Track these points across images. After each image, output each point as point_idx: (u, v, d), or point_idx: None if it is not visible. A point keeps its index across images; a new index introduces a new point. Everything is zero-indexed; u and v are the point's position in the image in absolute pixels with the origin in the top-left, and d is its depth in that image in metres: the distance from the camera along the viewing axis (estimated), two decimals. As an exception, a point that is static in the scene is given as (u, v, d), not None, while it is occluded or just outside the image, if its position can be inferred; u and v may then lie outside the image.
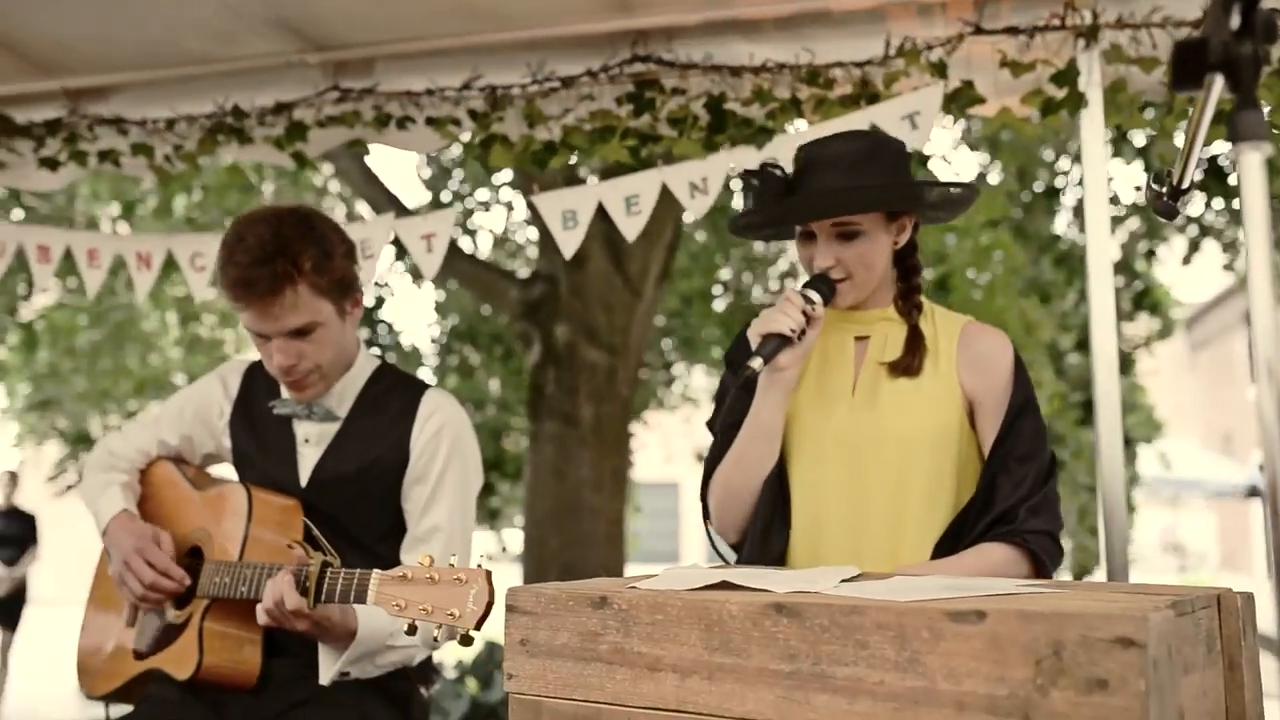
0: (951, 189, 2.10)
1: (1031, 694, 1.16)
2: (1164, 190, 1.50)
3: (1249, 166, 0.95)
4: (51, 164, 3.53)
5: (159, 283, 9.74)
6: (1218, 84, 1.02)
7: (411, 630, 1.89)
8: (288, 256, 2.19)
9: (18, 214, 8.21)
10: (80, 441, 11.24)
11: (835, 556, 1.98)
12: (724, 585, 1.48)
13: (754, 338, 1.97)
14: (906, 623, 1.24)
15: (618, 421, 6.80)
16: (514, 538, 11.25)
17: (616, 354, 6.67)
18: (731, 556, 2.11)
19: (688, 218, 2.98)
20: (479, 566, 1.87)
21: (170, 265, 3.46)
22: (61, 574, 10.19)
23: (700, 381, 12.46)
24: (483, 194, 9.26)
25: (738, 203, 3.02)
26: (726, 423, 2.10)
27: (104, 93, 3.50)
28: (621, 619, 1.43)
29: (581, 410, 6.57)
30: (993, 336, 2.10)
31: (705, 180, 2.92)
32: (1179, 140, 2.84)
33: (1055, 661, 1.16)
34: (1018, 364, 2.07)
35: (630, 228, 2.98)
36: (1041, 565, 1.94)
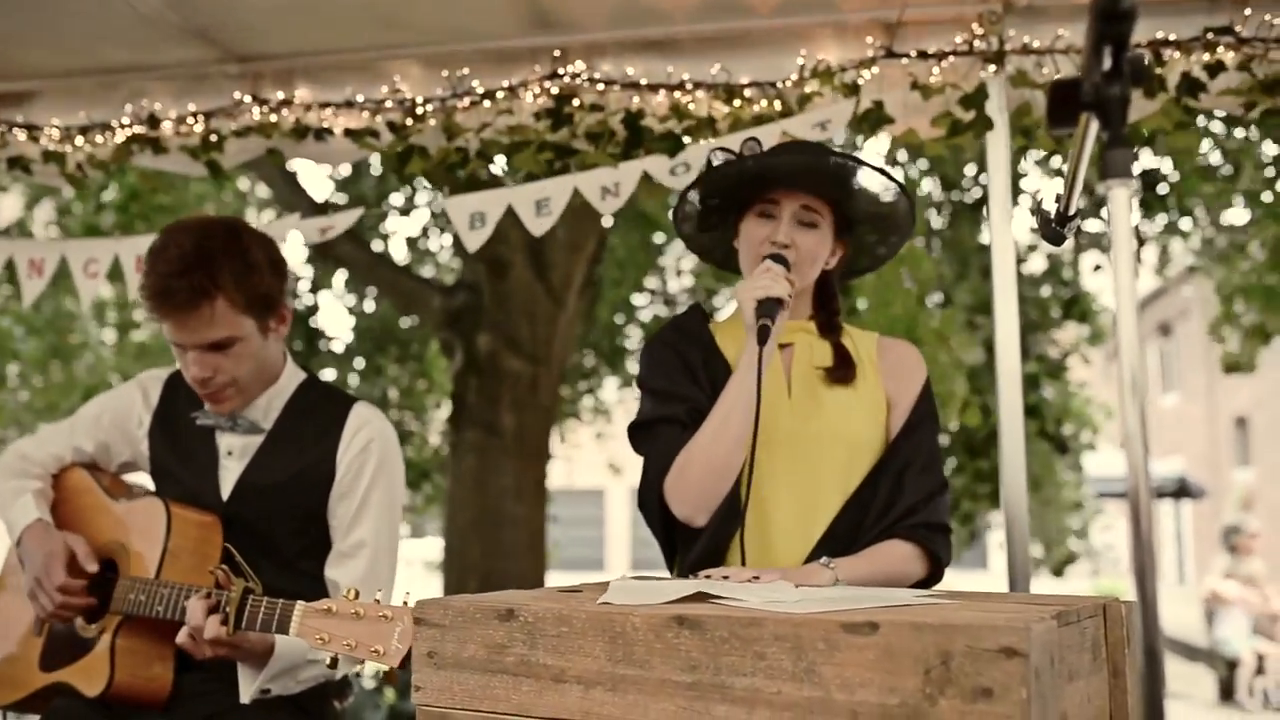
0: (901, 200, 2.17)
1: (921, 703, 1.21)
2: (1051, 216, 1.57)
3: (1117, 201, 1.01)
4: (-40, 170, 3.48)
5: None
6: (1092, 124, 1.08)
7: (333, 664, 1.90)
8: (208, 271, 2.18)
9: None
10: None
11: (785, 552, 2.03)
12: (700, 597, 1.51)
13: (745, 303, 1.99)
14: (803, 634, 1.28)
15: (539, 431, 6.81)
16: (424, 546, 11.15)
17: (539, 363, 6.68)
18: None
19: (607, 211, 3.00)
20: (405, 604, 1.88)
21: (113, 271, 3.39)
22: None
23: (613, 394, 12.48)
24: (397, 199, 9.21)
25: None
26: (660, 399, 2.11)
27: (18, 99, 3.45)
28: (528, 631, 1.45)
29: (503, 419, 6.57)
30: (907, 347, 2.24)
31: (617, 185, 2.96)
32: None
33: (943, 671, 1.20)
34: (928, 381, 2.19)
35: (538, 226, 3.00)
36: (938, 563, 2.06)
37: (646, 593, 1.54)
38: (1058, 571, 10.35)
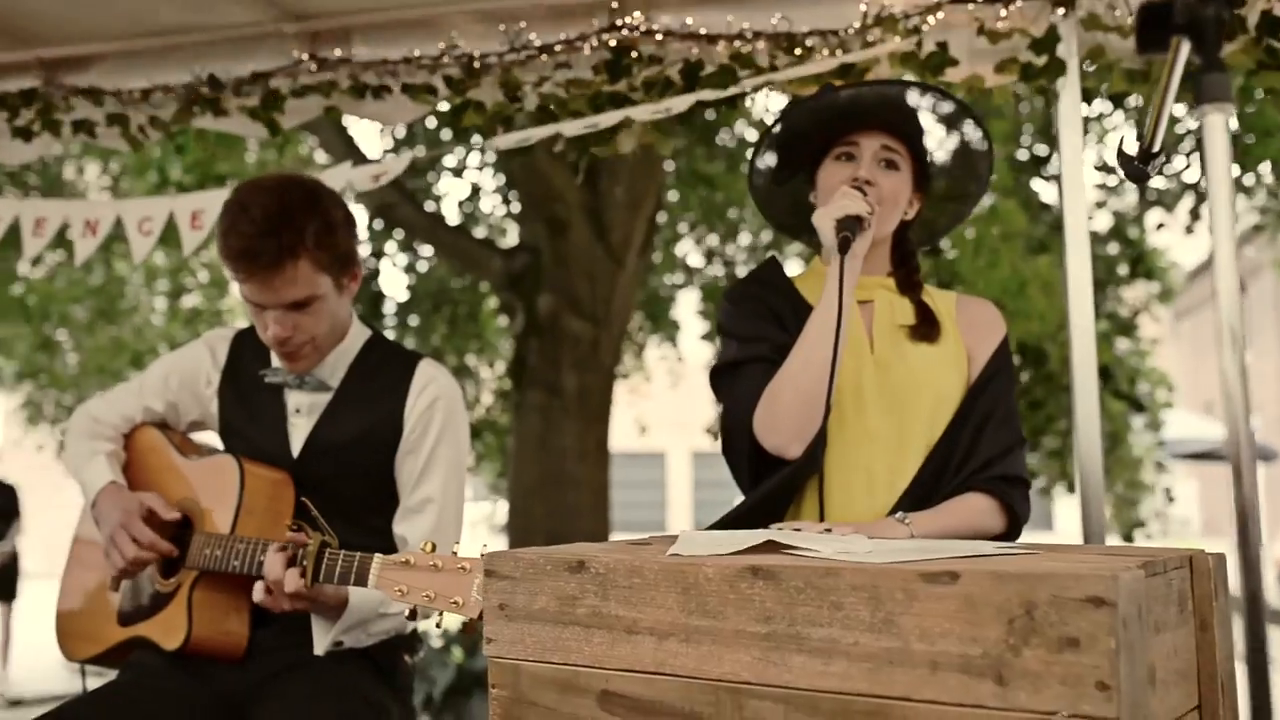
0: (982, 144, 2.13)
1: (1004, 653, 1.17)
2: (1135, 155, 1.51)
3: (1213, 128, 0.96)
4: (25, 134, 3.51)
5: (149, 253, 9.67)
6: (1184, 47, 1.03)
7: (413, 615, 1.90)
8: (293, 229, 2.17)
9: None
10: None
11: (870, 506, 2.01)
12: (770, 546, 1.48)
13: (824, 224, 1.96)
14: (881, 584, 1.25)
15: (601, 391, 6.81)
16: (484, 508, 11.26)
17: (599, 324, 6.67)
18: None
19: (647, 116, 2.95)
20: (482, 555, 1.87)
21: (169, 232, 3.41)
22: (45, 547, 10.18)
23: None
24: (450, 161, 9.21)
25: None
26: (747, 341, 2.09)
27: (80, 63, 3.47)
28: (599, 583, 1.44)
29: (565, 380, 6.57)
30: (985, 304, 2.21)
31: (669, 109, 2.91)
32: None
33: (1027, 621, 1.17)
34: (1006, 337, 2.15)
35: (579, 129, 2.95)
36: (1016, 518, 2.02)
37: (716, 543, 1.52)
38: (1127, 536, 10.19)
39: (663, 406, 15.18)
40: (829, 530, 1.76)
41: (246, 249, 2.16)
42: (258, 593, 2.09)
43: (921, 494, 2.00)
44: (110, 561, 2.31)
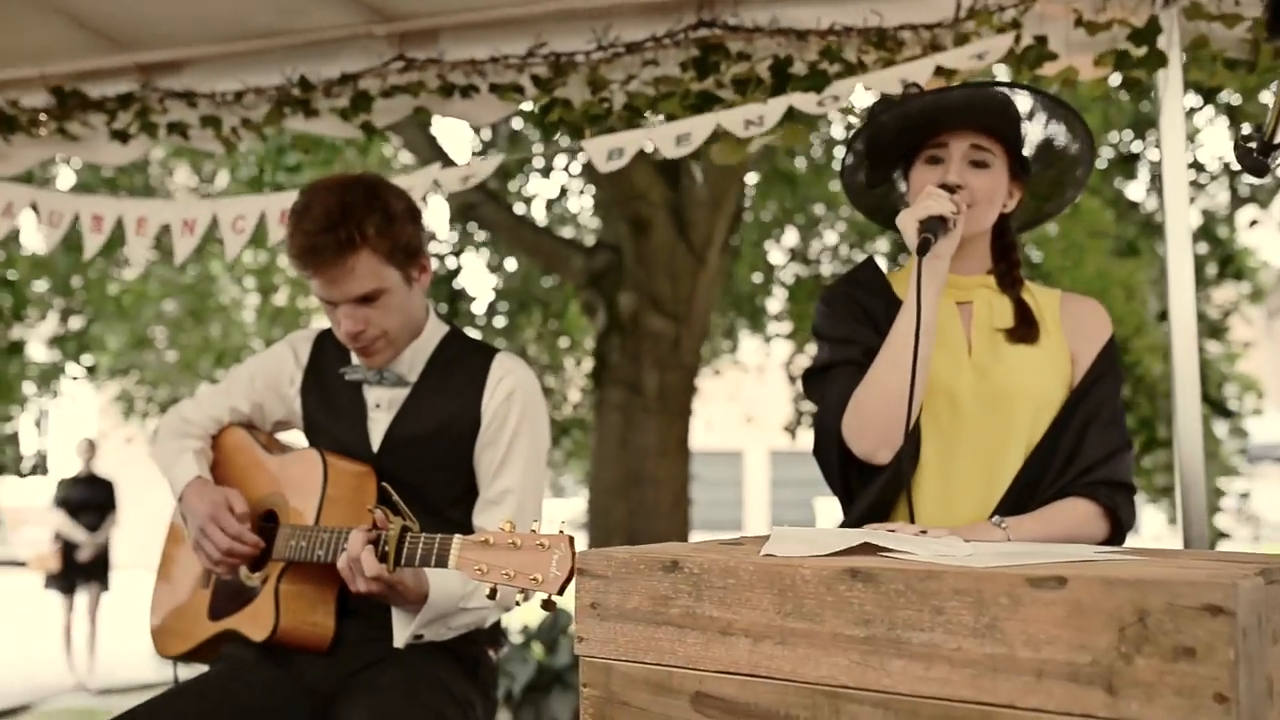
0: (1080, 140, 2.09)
1: (1115, 662, 1.14)
2: (1254, 146, 1.46)
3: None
4: (123, 137, 3.58)
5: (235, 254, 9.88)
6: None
7: (493, 595, 1.91)
8: (352, 223, 2.20)
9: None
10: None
11: (966, 511, 1.97)
12: (866, 548, 1.46)
13: (907, 226, 1.93)
14: (985, 588, 1.22)
15: (682, 390, 6.80)
16: (562, 506, 11.35)
17: (680, 322, 6.66)
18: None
19: (743, 134, 2.92)
20: (561, 532, 1.88)
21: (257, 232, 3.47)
22: (136, 539, 10.44)
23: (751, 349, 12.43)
24: (539, 162, 9.27)
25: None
26: (839, 344, 2.07)
27: (175, 67, 3.54)
28: (693, 583, 1.42)
29: (645, 378, 6.57)
30: (1091, 303, 2.15)
31: (761, 117, 2.87)
32: (1265, 98, 2.76)
33: (1140, 629, 1.13)
34: (1113, 338, 2.10)
35: (675, 152, 2.93)
36: (1119, 525, 1.96)
37: (809, 543, 1.50)
38: (1211, 543, 9.94)
39: (739, 405, 15.13)
40: (924, 532, 1.73)
41: (309, 246, 2.21)
42: (342, 562, 2.10)
43: (1019, 499, 1.96)
44: (201, 555, 2.36)
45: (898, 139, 2.11)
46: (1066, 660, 1.16)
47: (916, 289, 1.89)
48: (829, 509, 20.52)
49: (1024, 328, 2.05)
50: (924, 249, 1.88)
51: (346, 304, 2.28)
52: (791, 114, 2.88)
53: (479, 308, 9.78)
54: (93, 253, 3.59)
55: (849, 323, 2.08)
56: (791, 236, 10.91)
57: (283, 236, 3.33)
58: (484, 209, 7.08)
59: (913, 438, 1.97)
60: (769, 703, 1.35)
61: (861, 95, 2.89)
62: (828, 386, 2.06)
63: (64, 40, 3.51)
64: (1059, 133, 2.10)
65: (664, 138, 2.94)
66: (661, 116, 3.09)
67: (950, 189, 1.97)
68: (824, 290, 2.18)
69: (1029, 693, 1.18)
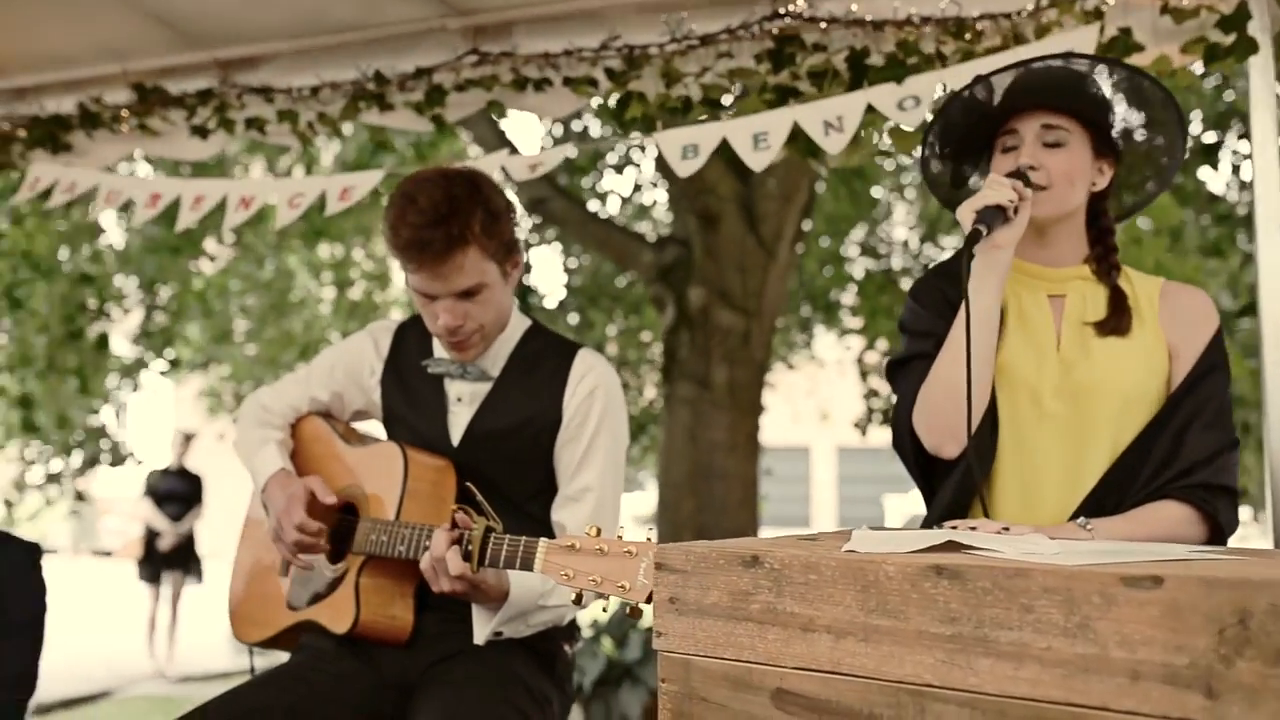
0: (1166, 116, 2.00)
1: (1214, 664, 1.11)
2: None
3: None
4: (202, 132, 3.64)
5: (313, 248, 10.04)
6: None
7: (578, 600, 1.90)
8: (459, 219, 2.20)
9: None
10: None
11: (1050, 511, 1.91)
12: (950, 545, 1.44)
13: (964, 217, 1.87)
14: (1076, 587, 1.19)
15: (751, 384, 6.77)
16: (636, 500, 11.35)
17: (750, 316, 6.62)
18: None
19: (831, 149, 2.88)
20: (648, 539, 1.87)
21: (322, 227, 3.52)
22: (219, 531, 10.64)
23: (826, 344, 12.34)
24: (611, 158, 9.28)
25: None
26: (918, 337, 2.04)
27: (253, 63, 3.58)
28: (774, 578, 1.41)
29: (715, 373, 6.55)
30: (1196, 293, 2.05)
31: (840, 119, 2.84)
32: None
33: (1240, 631, 1.10)
34: (1220, 330, 2.00)
35: (757, 161, 2.91)
36: (1219, 531, 1.87)
37: (892, 541, 1.47)
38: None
39: (811, 401, 15.03)
40: (1006, 530, 1.70)
41: (416, 239, 2.20)
42: (425, 563, 2.11)
43: (1107, 499, 1.89)
44: (278, 546, 2.38)
45: (969, 132, 2.07)
46: (1163, 662, 1.13)
47: (967, 280, 1.86)
48: (898, 506, 20.33)
49: (1115, 319, 1.97)
50: (973, 240, 1.84)
51: (447, 298, 2.28)
52: (871, 111, 2.84)
53: (550, 304, 9.82)
54: (141, 222, 3.66)
55: (931, 316, 2.03)
56: (860, 230, 10.82)
57: (338, 210, 3.37)
58: (553, 204, 7.10)
59: (986, 433, 1.93)
60: (851, 701, 1.33)
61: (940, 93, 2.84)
62: (904, 380, 2.03)
63: (145, 37, 3.57)
64: (1135, 116, 2.01)
65: (741, 135, 2.92)
66: (733, 110, 3.07)
67: (1022, 174, 1.93)
68: (915, 282, 2.14)
69: (1123, 695, 1.15)
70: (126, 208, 3.69)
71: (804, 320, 11.39)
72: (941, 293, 2.06)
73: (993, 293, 1.91)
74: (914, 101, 2.80)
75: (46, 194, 3.74)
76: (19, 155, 3.90)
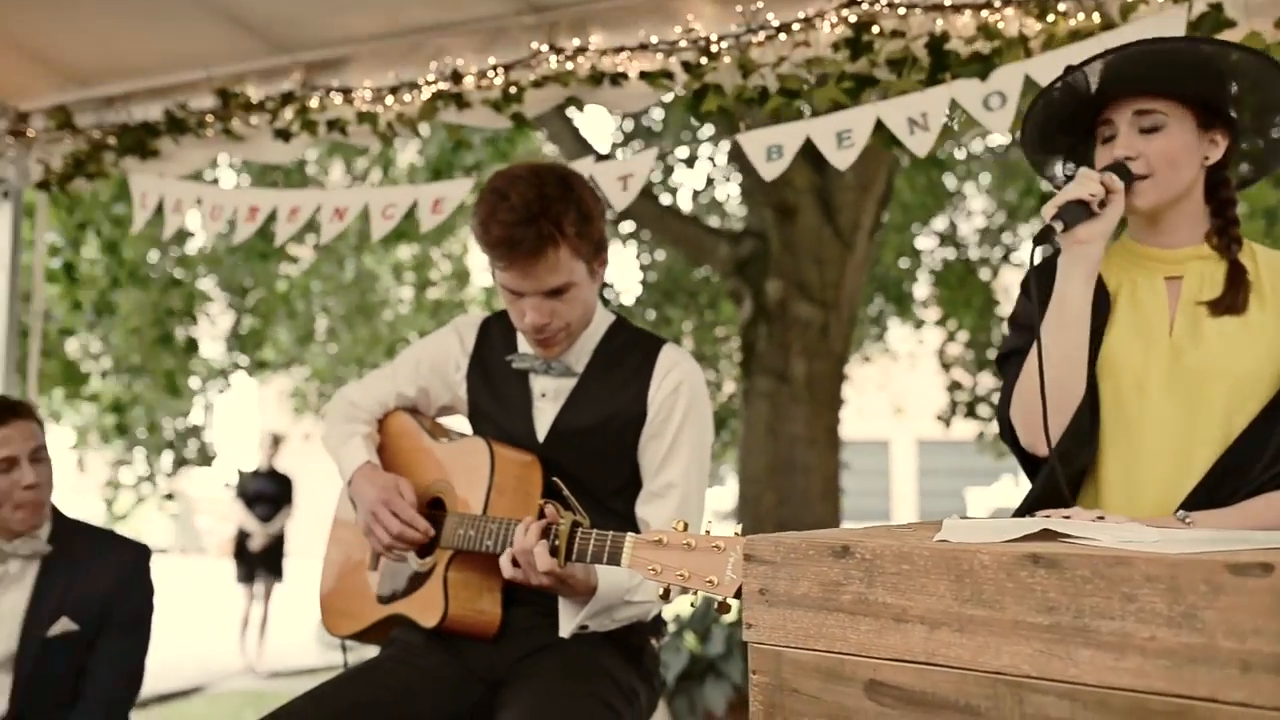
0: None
1: (1327, 653, 1.07)
2: None
3: None
4: (284, 135, 3.70)
5: (393, 250, 10.17)
6: None
7: (666, 595, 1.90)
8: (551, 218, 2.20)
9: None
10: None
11: (1155, 502, 1.84)
12: (1045, 535, 1.41)
13: (1047, 213, 1.82)
14: (1180, 575, 1.16)
15: (830, 377, 6.72)
16: (719, 495, 11.31)
17: (828, 308, 6.57)
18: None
19: (918, 150, 2.84)
20: (736, 534, 1.86)
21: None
22: (306, 531, 10.83)
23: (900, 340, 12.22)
24: (682, 151, 9.26)
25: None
26: (1020, 330, 1.98)
27: (333, 65, 3.64)
28: (865, 569, 1.39)
29: (794, 366, 6.51)
30: None
31: (925, 115, 2.80)
32: None
33: (1355, 618, 1.06)
34: None
35: (841, 160, 2.89)
36: None
37: (985, 530, 1.45)
38: None
39: (887, 394, 14.88)
40: (1102, 519, 1.65)
41: (507, 237, 2.20)
42: (506, 567, 2.12)
43: (1219, 490, 1.80)
44: (371, 539, 2.40)
45: (1064, 124, 2.00)
46: (1274, 652, 1.10)
47: (1034, 280, 1.82)
48: (981, 499, 20.05)
49: (1230, 295, 1.87)
50: (1041, 239, 1.80)
51: (535, 296, 2.28)
52: (955, 106, 2.79)
53: (627, 300, 9.83)
54: (243, 238, 3.74)
55: (1033, 309, 1.93)
56: (941, 220, 10.69)
57: (433, 225, 3.41)
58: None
59: (1082, 426, 1.87)
60: (947, 692, 1.31)
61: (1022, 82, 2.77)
62: (1007, 373, 1.98)
63: (227, 43, 3.64)
64: (1238, 85, 1.89)
65: (824, 134, 2.89)
66: (810, 100, 3.04)
67: (1121, 166, 1.87)
68: (1026, 273, 2.03)
69: (1233, 686, 1.11)
70: (229, 219, 3.76)
71: (876, 313, 11.28)
72: (1047, 285, 1.98)
73: (1079, 288, 1.85)
74: (1000, 99, 2.75)
75: (158, 210, 3.85)
76: (111, 163, 4.00)
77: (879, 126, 2.89)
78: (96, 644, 2.74)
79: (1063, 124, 2.02)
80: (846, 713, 1.40)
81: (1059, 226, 1.79)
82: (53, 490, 2.79)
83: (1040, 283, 1.95)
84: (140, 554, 2.88)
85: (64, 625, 2.71)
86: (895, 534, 1.50)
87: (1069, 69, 1.97)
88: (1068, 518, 1.65)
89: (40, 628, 2.70)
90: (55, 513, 2.81)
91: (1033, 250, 1.84)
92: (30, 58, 3.86)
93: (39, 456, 2.76)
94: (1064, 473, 1.84)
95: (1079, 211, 1.80)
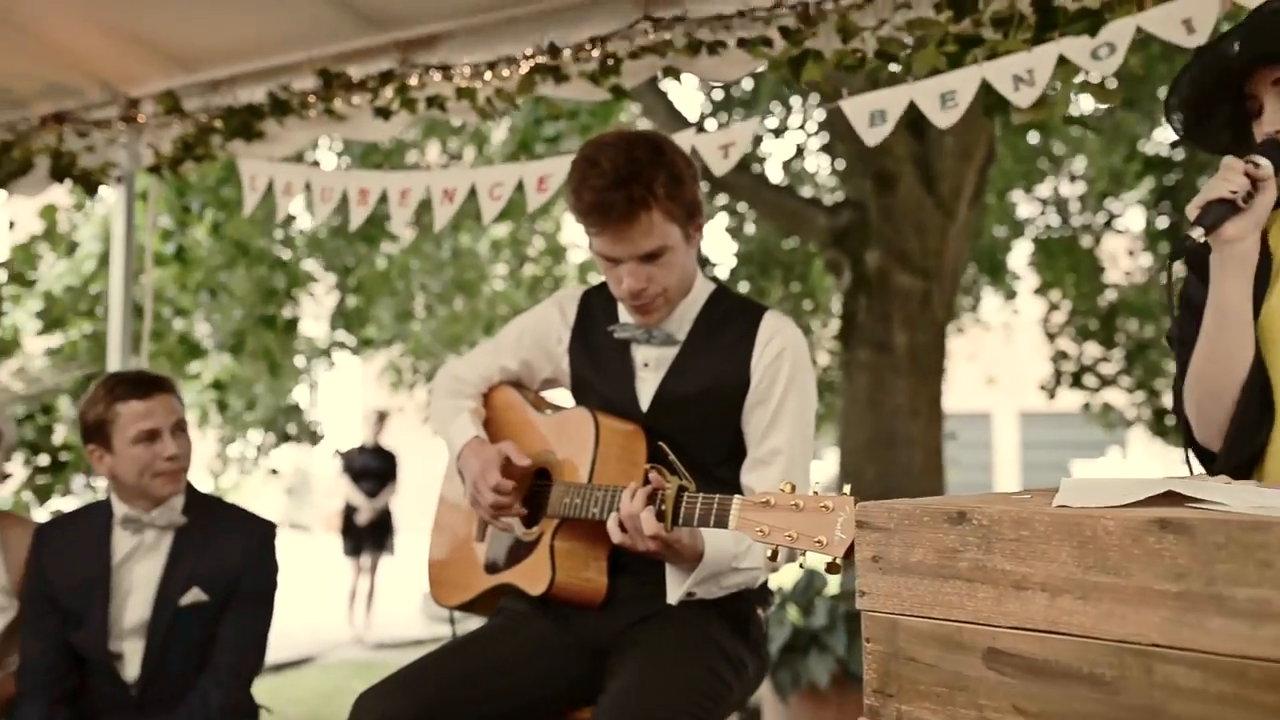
0: None
1: None
2: None
3: None
4: (384, 114, 3.73)
5: (489, 227, 10.27)
6: None
7: (774, 556, 1.89)
8: (642, 181, 2.21)
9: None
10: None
11: None
12: (1170, 497, 1.36)
13: (1191, 214, 1.71)
14: (1321, 540, 1.11)
15: (932, 348, 6.62)
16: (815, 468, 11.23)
17: (930, 278, 6.47)
18: None
19: (1022, 103, 2.75)
20: (844, 493, 1.84)
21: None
22: (406, 505, 11.02)
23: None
24: (771, 122, 9.17)
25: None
26: (1189, 313, 1.87)
27: (431, 42, 3.65)
28: (982, 535, 1.36)
29: (895, 337, 6.42)
30: None
31: (1031, 72, 2.72)
32: None
33: None
34: None
35: (944, 119, 2.82)
36: None
37: (1105, 493, 1.40)
38: None
39: (987, 365, 14.61)
40: (1229, 482, 1.58)
41: (598, 202, 2.21)
42: (614, 530, 2.12)
43: None
44: (478, 510, 2.43)
45: (1209, 100, 1.88)
46: None
47: (1172, 297, 1.74)
48: (1087, 472, 19.64)
49: None
50: (1178, 253, 1.72)
51: (630, 261, 2.29)
52: (1063, 63, 2.71)
53: (722, 273, 9.79)
54: (358, 223, 3.78)
55: (1200, 289, 1.84)
56: (1044, 187, 10.44)
57: (540, 203, 3.42)
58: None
59: (1253, 414, 1.76)
60: (1070, 660, 1.28)
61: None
62: (1179, 355, 1.88)
63: (327, 23, 3.68)
64: None
65: (928, 96, 2.83)
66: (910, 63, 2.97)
67: (1272, 144, 1.74)
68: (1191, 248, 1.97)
69: (1378, 654, 1.07)
70: (337, 202, 3.81)
71: (969, 283, 11.06)
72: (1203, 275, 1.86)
73: (1235, 289, 1.74)
74: (1109, 49, 2.65)
75: (267, 191, 3.92)
76: (218, 146, 4.08)
77: (983, 90, 2.82)
78: (224, 615, 2.82)
79: (1210, 101, 1.90)
80: (964, 681, 1.37)
81: (1198, 235, 1.67)
82: (190, 464, 2.87)
83: (1197, 270, 1.85)
84: (267, 530, 2.96)
85: (195, 595, 2.79)
86: (1011, 500, 1.47)
87: (1221, 37, 1.85)
88: (1193, 479, 1.59)
89: (173, 597, 2.79)
90: (189, 487, 2.90)
91: (1169, 265, 1.73)
92: (139, 45, 3.95)
93: (180, 429, 2.85)
94: (1235, 460, 1.76)
95: (1222, 211, 1.69)
